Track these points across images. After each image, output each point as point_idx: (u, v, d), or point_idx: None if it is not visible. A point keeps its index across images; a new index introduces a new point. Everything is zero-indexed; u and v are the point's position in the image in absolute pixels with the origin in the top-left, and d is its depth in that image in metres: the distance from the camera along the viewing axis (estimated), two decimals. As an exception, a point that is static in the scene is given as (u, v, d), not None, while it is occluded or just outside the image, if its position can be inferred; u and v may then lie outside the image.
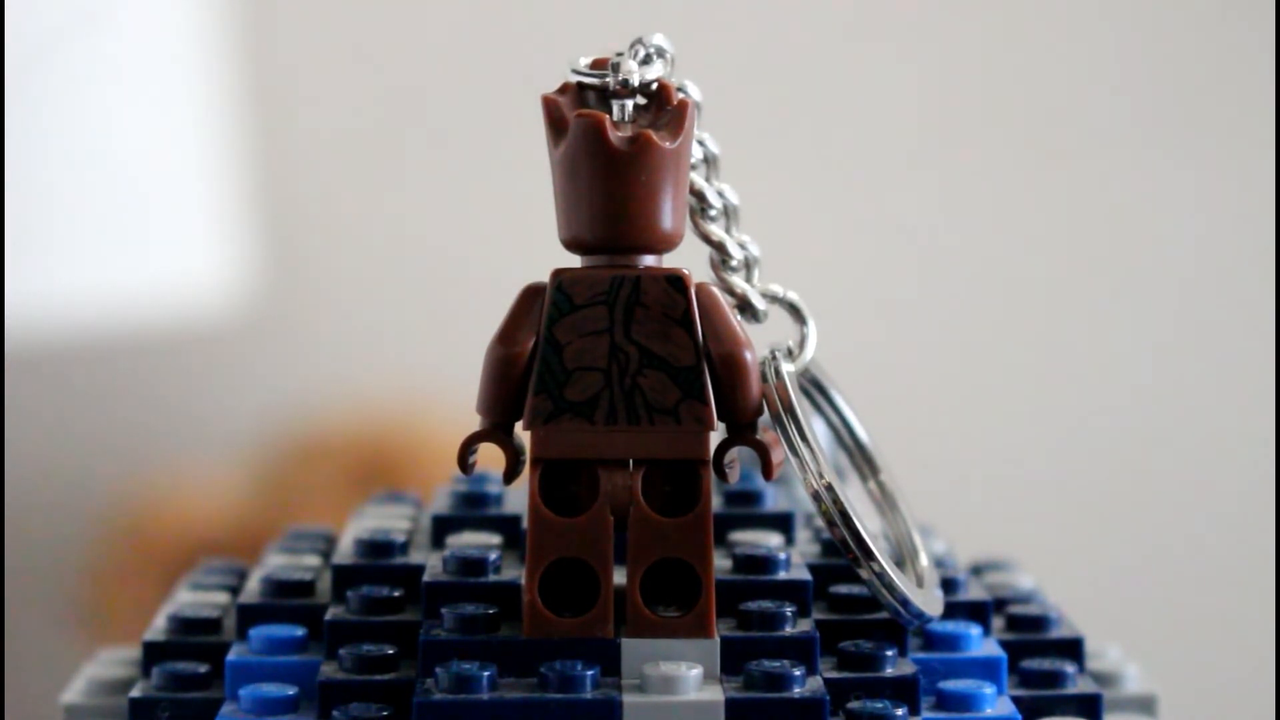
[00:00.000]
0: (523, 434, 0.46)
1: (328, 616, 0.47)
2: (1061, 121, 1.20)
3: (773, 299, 0.48)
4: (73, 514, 1.18)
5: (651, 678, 0.44)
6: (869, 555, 0.45)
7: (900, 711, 0.44)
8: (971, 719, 0.45)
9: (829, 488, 0.45)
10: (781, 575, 0.47)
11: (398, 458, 1.06)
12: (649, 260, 0.45)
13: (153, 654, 0.48)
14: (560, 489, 0.45)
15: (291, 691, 0.45)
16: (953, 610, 0.48)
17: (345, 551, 0.49)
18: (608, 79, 0.45)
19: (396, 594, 0.47)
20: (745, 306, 0.48)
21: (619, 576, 0.45)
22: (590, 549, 0.45)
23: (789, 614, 0.45)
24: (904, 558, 0.49)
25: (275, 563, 0.52)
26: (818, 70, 1.20)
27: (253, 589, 0.49)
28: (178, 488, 1.11)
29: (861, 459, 0.51)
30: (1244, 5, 1.20)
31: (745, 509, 0.51)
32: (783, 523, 0.51)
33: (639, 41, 0.46)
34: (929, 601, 0.47)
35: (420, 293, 1.20)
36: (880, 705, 0.44)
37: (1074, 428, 1.22)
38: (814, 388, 0.50)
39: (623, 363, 0.45)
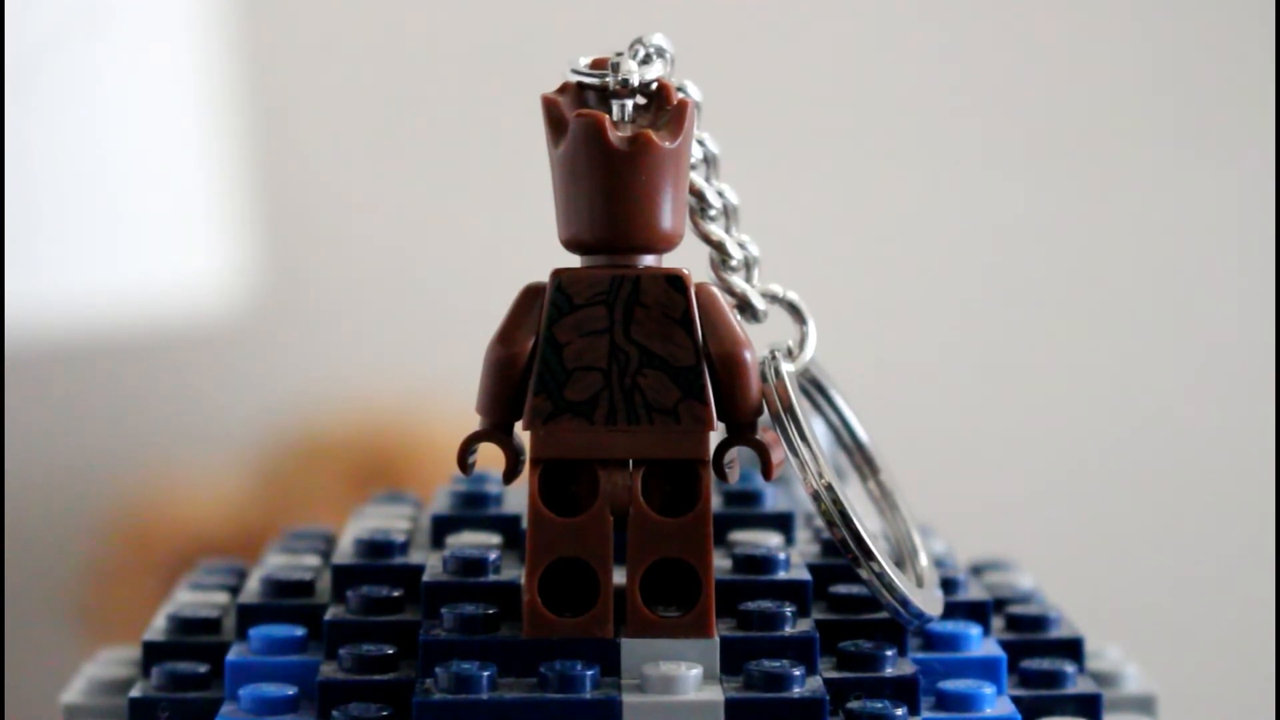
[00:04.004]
0: (522, 434, 0.46)
1: (327, 616, 0.47)
2: (1063, 122, 1.20)
3: (773, 299, 0.48)
4: (73, 514, 1.18)
5: (651, 678, 0.44)
6: (869, 555, 0.45)
7: (900, 711, 0.44)
8: (971, 719, 0.45)
9: (829, 488, 0.45)
10: (781, 575, 0.47)
11: (398, 458, 1.06)
12: (649, 260, 0.45)
13: (153, 654, 0.48)
14: (560, 489, 0.45)
15: (291, 691, 0.45)
16: (953, 610, 0.48)
17: (345, 551, 0.49)
18: (607, 79, 0.45)
19: (396, 594, 0.47)
20: (745, 306, 0.48)
21: (619, 576, 0.45)
22: (590, 549, 0.45)
23: (789, 614, 0.45)
24: (904, 558, 0.49)
25: (275, 563, 0.52)
26: (818, 70, 1.20)
27: (252, 589, 0.49)
28: (178, 488, 1.11)
29: (861, 459, 0.51)
30: (1245, 5, 1.20)
31: (745, 509, 0.51)
32: (783, 523, 0.51)
33: (639, 41, 0.46)
34: (929, 601, 0.47)
35: (420, 293, 1.20)
36: (880, 705, 0.44)
37: (1074, 428, 1.22)
38: (814, 388, 0.51)
39: (622, 362, 0.45)
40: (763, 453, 0.45)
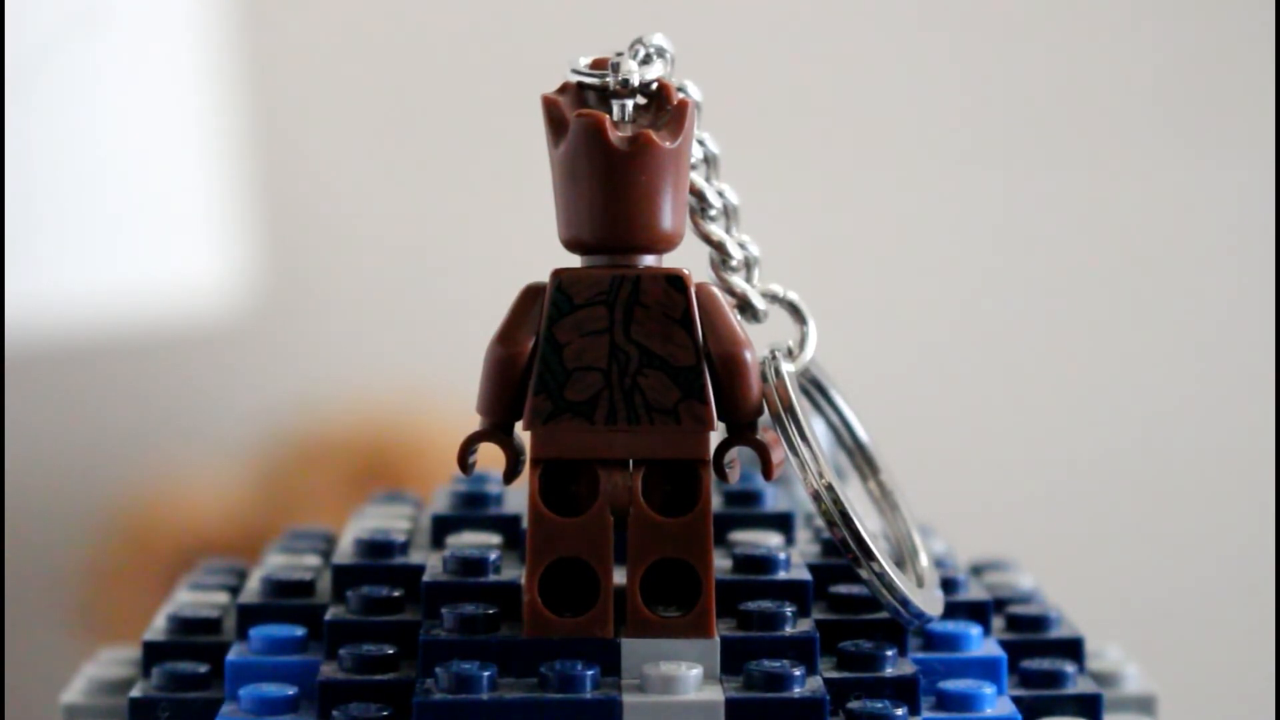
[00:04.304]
0: (523, 434, 0.46)
1: (328, 616, 0.47)
2: (1063, 122, 1.20)
3: (773, 299, 0.48)
4: (73, 514, 1.18)
5: (651, 678, 0.44)
6: (869, 555, 0.45)
7: (900, 711, 0.44)
8: (971, 719, 0.45)
9: (829, 488, 0.45)
10: (781, 575, 0.47)
11: (398, 458, 1.06)
12: (649, 260, 0.45)
13: (153, 654, 0.48)
14: (560, 489, 0.45)
15: (291, 691, 0.45)
16: (953, 610, 0.48)
17: (345, 551, 0.49)
18: (608, 79, 0.45)
19: (396, 594, 0.47)
20: (745, 306, 0.48)
21: (619, 576, 0.45)
22: (590, 549, 0.45)
23: (789, 614, 0.45)
24: (904, 558, 0.49)
25: (275, 563, 0.52)
26: (818, 70, 1.20)
27: (253, 589, 0.49)
28: (178, 488, 1.11)
29: (861, 459, 0.51)
30: (1245, 5, 1.20)
31: (745, 509, 0.51)
32: (783, 523, 0.51)
33: (639, 41, 0.46)
34: (929, 601, 0.47)
35: (420, 293, 1.20)
36: (880, 705, 0.44)
37: (1074, 427, 1.22)
38: (814, 388, 0.51)
39: (623, 363, 0.45)
40: (763, 453, 0.45)
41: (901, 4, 1.21)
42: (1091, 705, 0.47)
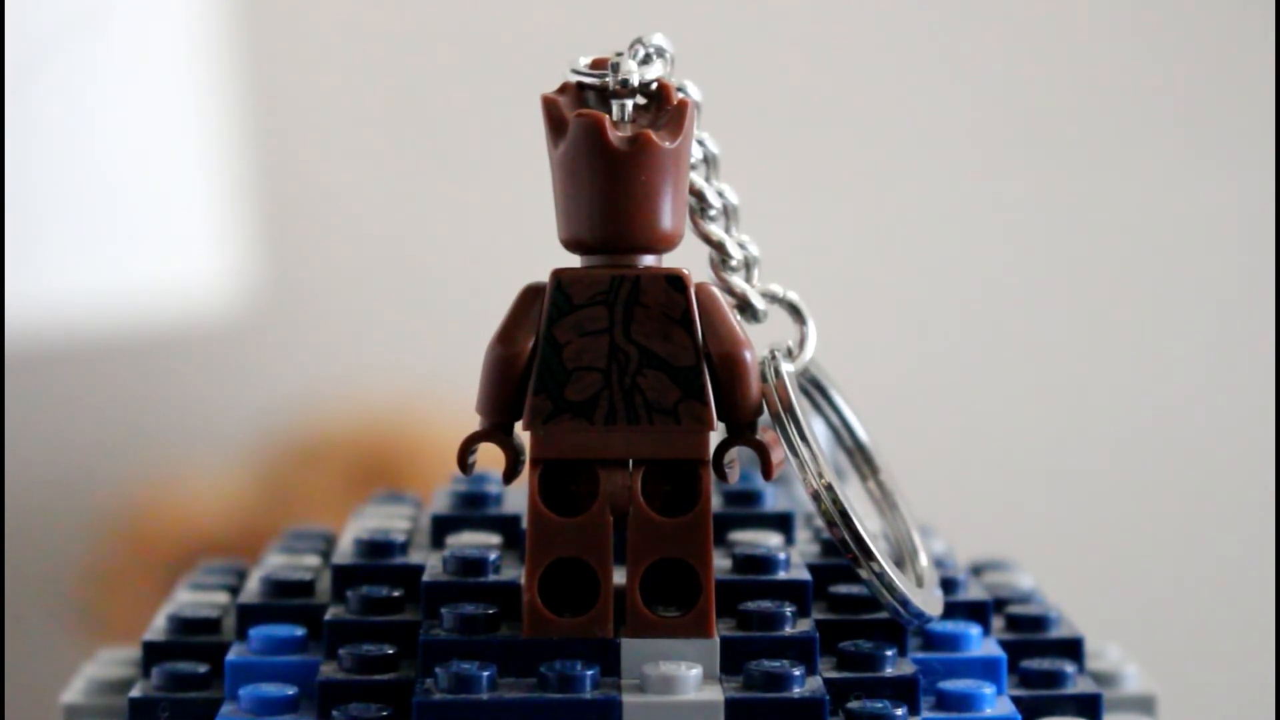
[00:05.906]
0: (522, 434, 0.46)
1: (327, 616, 0.47)
2: (1062, 122, 1.20)
3: (772, 299, 0.48)
4: (73, 514, 1.18)
5: (651, 677, 0.44)
6: (869, 555, 0.45)
7: (900, 711, 0.44)
8: (971, 719, 0.45)
9: (829, 488, 0.45)
10: (781, 575, 0.47)
11: (398, 458, 1.06)
12: (649, 260, 0.45)
13: (153, 654, 0.48)
14: (560, 489, 0.45)
15: (291, 691, 0.45)
16: (953, 610, 0.48)
17: (345, 551, 0.49)
18: (607, 79, 0.45)
19: (396, 594, 0.47)
20: (745, 306, 0.48)
21: (619, 576, 0.45)
22: (590, 549, 0.45)
23: (789, 614, 0.45)
24: (904, 558, 0.49)
25: (275, 563, 0.52)
26: (818, 70, 1.20)
27: (252, 589, 0.49)
28: (178, 488, 1.11)
29: (861, 459, 0.51)
30: (1245, 5, 1.20)
31: (745, 509, 0.51)
32: (783, 523, 0.51)
33: (639, 41, 0.46)
34: (929, 601, 0.47)
35: (420, 293, 1.21)
36: (880, 705, 0.44)
37: (1074, 427, 1.22)
38: (814, 388, 0.51)
39: (622, 362, 0.45)
40: (763, 453, 0.45)
41: (902, 4, 1.20)
42: (1091, 705, 0.47)
